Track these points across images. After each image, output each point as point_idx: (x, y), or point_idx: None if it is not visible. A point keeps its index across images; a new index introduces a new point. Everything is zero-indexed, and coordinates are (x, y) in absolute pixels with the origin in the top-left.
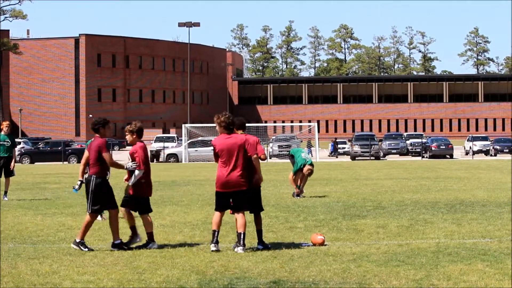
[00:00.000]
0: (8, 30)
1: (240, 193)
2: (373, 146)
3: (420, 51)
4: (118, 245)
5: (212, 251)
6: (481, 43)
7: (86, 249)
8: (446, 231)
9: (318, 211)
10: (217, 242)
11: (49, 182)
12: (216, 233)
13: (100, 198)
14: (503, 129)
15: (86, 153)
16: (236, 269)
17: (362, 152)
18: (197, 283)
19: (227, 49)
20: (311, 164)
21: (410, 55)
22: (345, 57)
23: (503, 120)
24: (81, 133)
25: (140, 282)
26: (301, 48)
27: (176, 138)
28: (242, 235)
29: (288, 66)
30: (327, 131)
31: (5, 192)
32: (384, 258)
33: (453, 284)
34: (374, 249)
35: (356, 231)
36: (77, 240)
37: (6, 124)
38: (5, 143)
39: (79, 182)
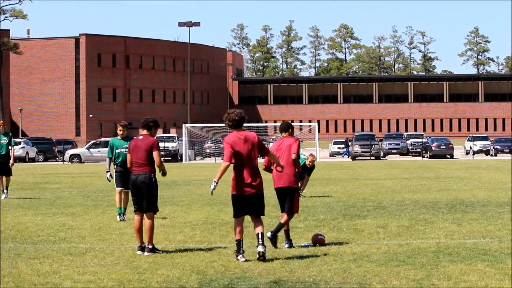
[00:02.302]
0: (8, 30)
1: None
2: (373, 146)
3: (420, 51)
4: (154, 250)
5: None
6: (481, 42)
7: (160, 252)
8: (447, 231)
9: (319, 211)
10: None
11: (49, 182)
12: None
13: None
14: (504, 129)
15: (128, 155)
16: (236, 269)
17: (362, 152)
18: (198, 283)
19: (227, 49)
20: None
21: (410, 55)
22: (345, 57)
23: (504, 120)
24: (81, 133)
25: (141, 282)
26: (301, 48)
27: (176, 138)
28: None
29: (288, 66)
30: (327, 131)
31: (6, 187)
32: (385, 258)
33: (454, 284)
34: (374, 249)
35: (356, 231)
36: (150, 247)
37: (0, 123)
38: (3, 141)
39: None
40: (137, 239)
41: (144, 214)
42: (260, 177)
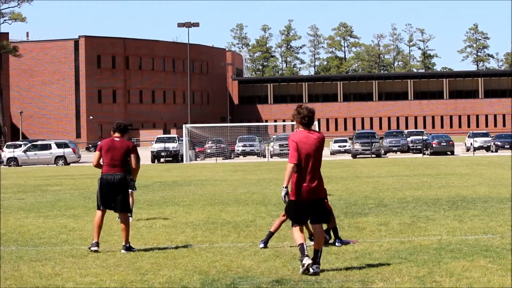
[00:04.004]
0: (8, 33)
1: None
2: (374, 143)
3: (419, 48)
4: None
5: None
6: (480, 39)
7: (135, 250)
8: (448, 228)
9: None
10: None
11: (50, 184)
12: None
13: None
14: (504, 125)
15: (97, 154)
16: (238, 269)
17: (363, 150)
18: (200, 283)
19: (226, 49)
20: None
21: (409, 52)
22: (344, 55)
23: (504, 116)
24: (82, 135)
25: (143, 283)
26: (300, 47)
27: (177, 139)
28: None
29: (288, 65)
30: (327, 129)
31: None
32: (387, 255)
33: (456, 281)
34: (376, 247)
35: (358, 229)
36: (127, 245)
37: None
38: None
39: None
40: (95, 235)
41: (120, 214)
42: (322, 181)
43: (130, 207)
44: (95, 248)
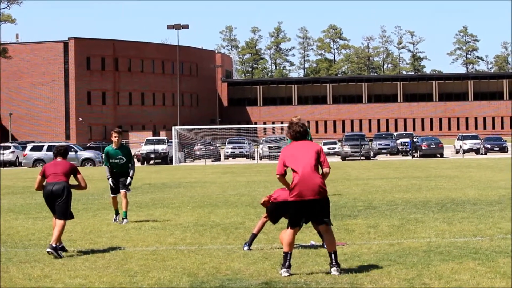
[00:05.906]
0: None
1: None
2: (363, 146)
3: (409, 51)
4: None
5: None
6: (470, 41)
7: (63, 254)
8: (437, 230)
9: None
10: (289, 266)
11: None
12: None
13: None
14: (493, 127)
15: (39, 178)
16: (227, 271)
17: (352, 152)
18: (189, 285)
19: (216, 51)
20: None
21: (399, 55)
22: (334, 57)
23: (493, 118)
24: (71, 137)
25: (132, 285)
26: (290, 49)
27: (166, 141)
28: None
29: (277, 67)
30: (317, 131)
31: None
32: (376, 258)
33: (445, 283)
34: (365, 249)
35: (347, 231)
36: (54, 245)
37: None
38: None
39: None
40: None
41: (57, 220)
42: (319, 181)
43: (68, 214)
44: (51, 251)
